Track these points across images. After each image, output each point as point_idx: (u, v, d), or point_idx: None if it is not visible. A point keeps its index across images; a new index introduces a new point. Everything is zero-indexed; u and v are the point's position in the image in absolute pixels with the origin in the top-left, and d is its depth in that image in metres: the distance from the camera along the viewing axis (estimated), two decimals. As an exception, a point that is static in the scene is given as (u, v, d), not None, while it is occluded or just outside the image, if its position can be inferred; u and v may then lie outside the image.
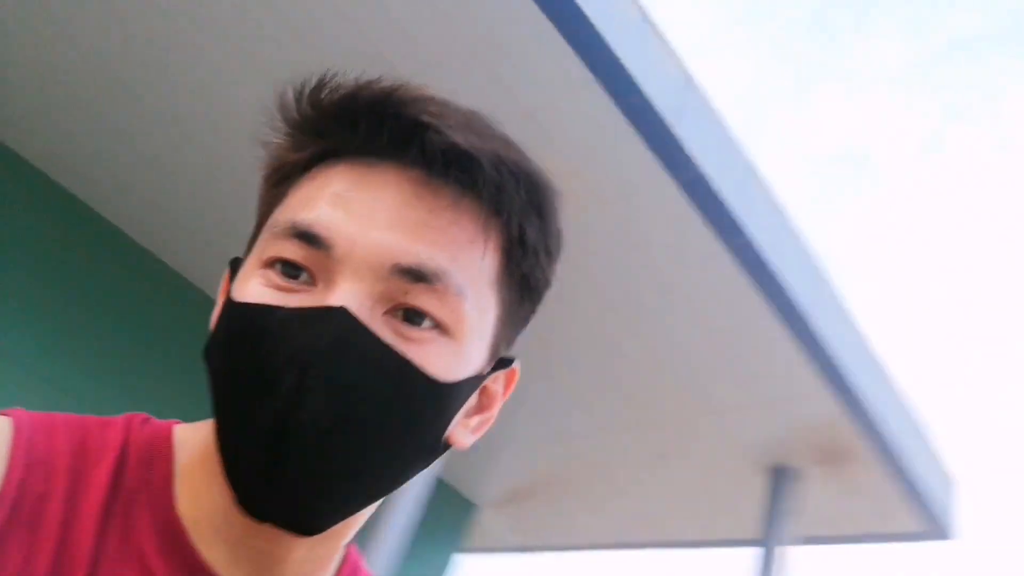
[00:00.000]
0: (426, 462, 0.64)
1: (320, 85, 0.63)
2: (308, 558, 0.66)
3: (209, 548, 0.62)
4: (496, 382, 0.69)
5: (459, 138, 0.60)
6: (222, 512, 0.61)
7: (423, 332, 0.59)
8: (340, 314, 0.56)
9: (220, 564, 0.62)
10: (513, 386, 0.70)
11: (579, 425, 4.17)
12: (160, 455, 0.65)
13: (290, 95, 0.64)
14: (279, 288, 0.59)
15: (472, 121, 0.63)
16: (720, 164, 3.08)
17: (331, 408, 0.56)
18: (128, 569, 0.60)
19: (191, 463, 0.64)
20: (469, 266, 0.61)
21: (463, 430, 0.67)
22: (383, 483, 0.62)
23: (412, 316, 0.59)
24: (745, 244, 3.16)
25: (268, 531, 0.60)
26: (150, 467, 0.64)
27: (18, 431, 0.60)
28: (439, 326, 0.60)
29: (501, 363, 0.68)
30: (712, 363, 3.62)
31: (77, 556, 0.58)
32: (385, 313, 0.59)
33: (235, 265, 0.66)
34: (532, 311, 0.70)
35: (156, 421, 0.68)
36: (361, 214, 0.60)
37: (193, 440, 0.66)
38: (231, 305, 0.61)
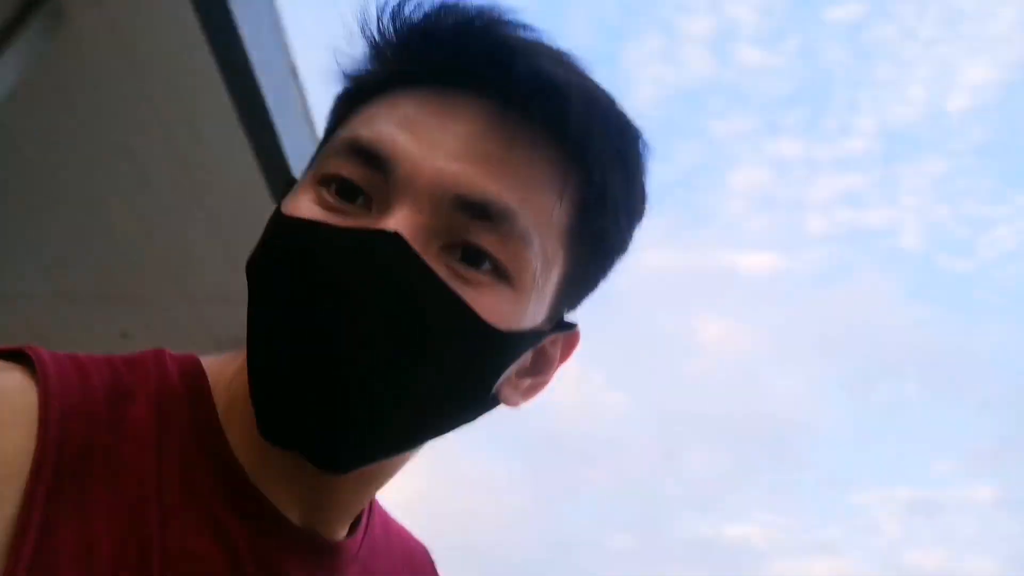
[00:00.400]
0: (472, 414, 0.59)
1: (403, 2, 0.58)
2: (355, 501, 0.62)
3: (264, 485, 0.57)
4: (554, 345, 0.63)
5: (548, 67, 0.55)
6: (269, 448, 0.55)
7: (480, 275, 0.54)
8: (392, 240, 0.51)
9: (281, 505, 0.58)
10: (572, 353, 0.64)
11: (36, 287, 3.68)
12: (199, 391, 0.59)
13: (372, 10, 0.58)
14: (331, 208, 0.54)
15: (564, 56, 0.58)
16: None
17: (367, 339, 0.51)
18: (196, 522, 0.54)
19: (233, 397, 0.58)
20: (539, 212, 0.56)
21: (513, 389, 0.61)
22: (419, 429, 0.57)
23: (471, 256, 0.54)
24: (272, 143, 3.00)
25: (311, 467, 0.55)
26: (193, 405, 0.58)
27: (45, 377, 0.53)
28: (498, 271, 0.55)
29: (561, 326, 0.62)
30: (200, 251, 3.45)
31: (142, 519, 0.52)
32: (441, 249, 0.54)
33: (292, 185, 0.61)
34: (602, 275, 0.64)
35: (176, 354, 0.61)
36: (429, 140, 0.54)
37: (228, 372, 0.60)
38: (278, 218, 0.56)
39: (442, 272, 0.53)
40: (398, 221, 0.52)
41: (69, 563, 0.48)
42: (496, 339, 0.55)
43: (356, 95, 0.60)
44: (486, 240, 0.54)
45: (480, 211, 0.53)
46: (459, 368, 0.55)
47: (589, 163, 0.57)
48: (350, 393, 0.52)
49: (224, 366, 0.61)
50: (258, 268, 0.56)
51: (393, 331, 0.52)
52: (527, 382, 0.63)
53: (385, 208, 0.54)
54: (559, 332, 0.62)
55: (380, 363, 0.52)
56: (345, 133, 0.57)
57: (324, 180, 0.56)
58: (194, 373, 0.60)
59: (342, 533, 0.63)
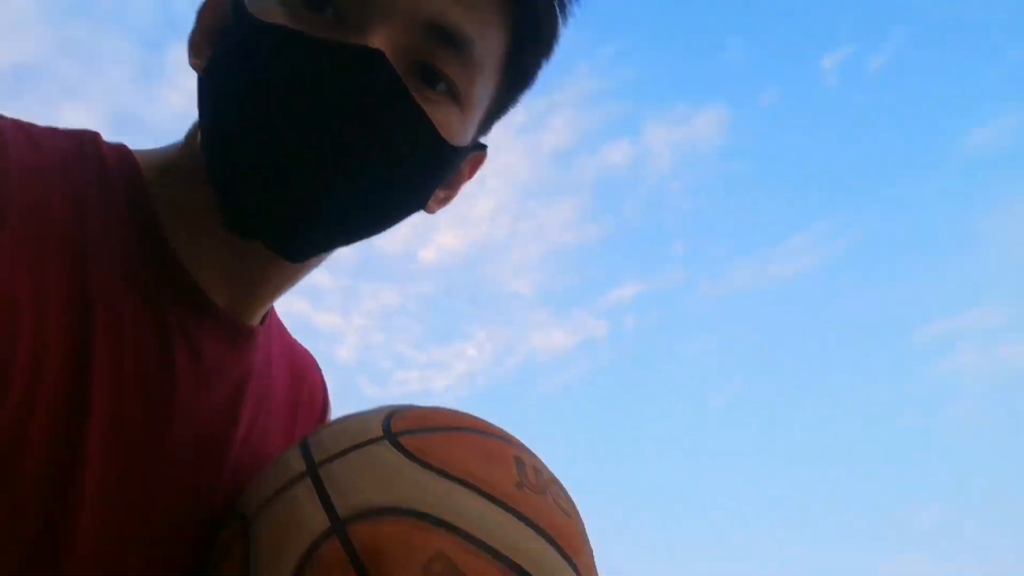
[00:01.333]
0: (406, 216, 0.64)
1: None
2: (278, 290, 0.67)
3: (195, 269, 0.61)
4: (465, 163, 0.69)
5: None
6: (207, 236, 0.60)
7: (435, 94, 0.59)
8: (379, 58, 0.55)
9: (208, 287, 0.62)
10: (477, 172, 0.71)
11: None
12: (133, 174, 0.61)
13: None
14: (303, 20, 0.56)
15: None
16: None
17: (347, 145, 0.55)
18: (133, 294, 0.58)
19: (165, 186, 0.61)
20: (489, 42, 0.60)
21: (434, 199, 0.67)
22: (369, 226, 0.62)
23: (429, 76, 0.58)
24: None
25: (252, 255, 0.60)
26: (127, 189, 0.60)
27: (0, 132, 0.55)
28: (452, 92, 0.60)
29: (476, 147, 0.69)
30: None
31: (87, 283, 0.55)
32: (404, 69, 0.57)
33: None
34: (513, 105, 0.69)
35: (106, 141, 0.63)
36: None
37: (155, 163, 0.63)
38: (256, 25, 0.56)
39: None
40: (380, 40, 0.55)
41: (27, 309, 0.51)
42: (448, 153, 0.61)
43: None
44: (448, 64, 0.58)
45: (448, 37, 0.58)
46: (415, 175, 0.60)
47: (531, 4, 0.62)
48: (325, 193, 0.56)
49: (151, 158, 0.63)
50: (233, 71, 0.57)
51: (370, 139, 0.56)
52: (442, 194, 0.69)
53: (362, 25, 0.56)
54: (476, 152, 0.69)
55: (355, 166, 0.56)
56: None
57: None
58: (127, 157, 0.62)
59: (256, 321, 0.68)
